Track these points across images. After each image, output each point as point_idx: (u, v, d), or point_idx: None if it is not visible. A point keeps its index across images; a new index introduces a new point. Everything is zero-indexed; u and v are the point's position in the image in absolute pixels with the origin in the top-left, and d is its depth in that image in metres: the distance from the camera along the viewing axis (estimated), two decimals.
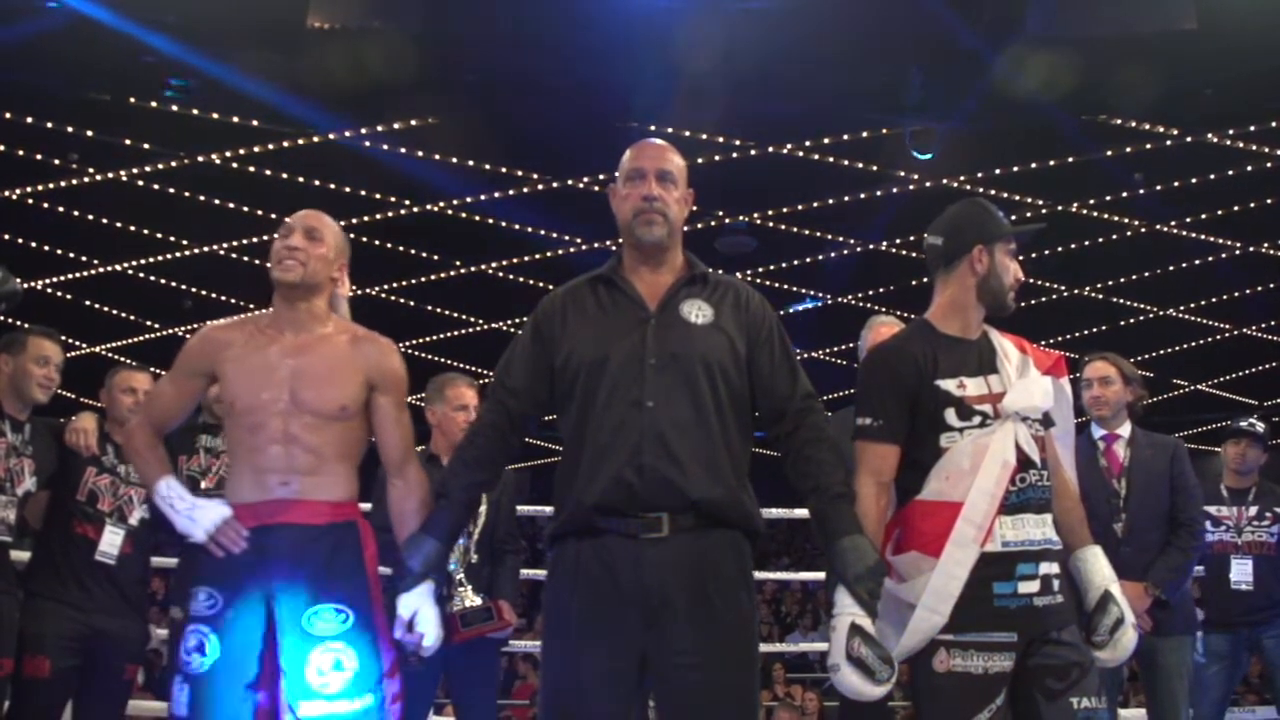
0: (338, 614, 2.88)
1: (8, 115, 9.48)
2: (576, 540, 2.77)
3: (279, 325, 3.11)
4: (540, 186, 10.83)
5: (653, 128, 9.63)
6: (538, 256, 11.85)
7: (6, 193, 10.58)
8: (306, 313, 3.10)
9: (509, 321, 12.87)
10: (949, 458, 2.78)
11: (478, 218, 11.26)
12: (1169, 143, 10.16)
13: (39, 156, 9.98)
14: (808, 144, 10.41)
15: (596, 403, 2.77)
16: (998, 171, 10.55)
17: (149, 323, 13.19)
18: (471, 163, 10.38)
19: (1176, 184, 10.67)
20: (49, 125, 9.68)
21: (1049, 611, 2.75)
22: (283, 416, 2.96)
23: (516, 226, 11.34)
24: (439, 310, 13.01)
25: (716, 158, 10.26)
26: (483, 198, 10.92)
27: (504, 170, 10.64)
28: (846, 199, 10.94)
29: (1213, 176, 10.49)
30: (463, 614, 3.98)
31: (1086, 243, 11.50)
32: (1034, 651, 2.73)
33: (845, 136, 10.30)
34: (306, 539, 2.92)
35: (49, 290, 12.14)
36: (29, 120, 9.61)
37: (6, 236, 11.32)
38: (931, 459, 2.80)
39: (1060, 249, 11.45)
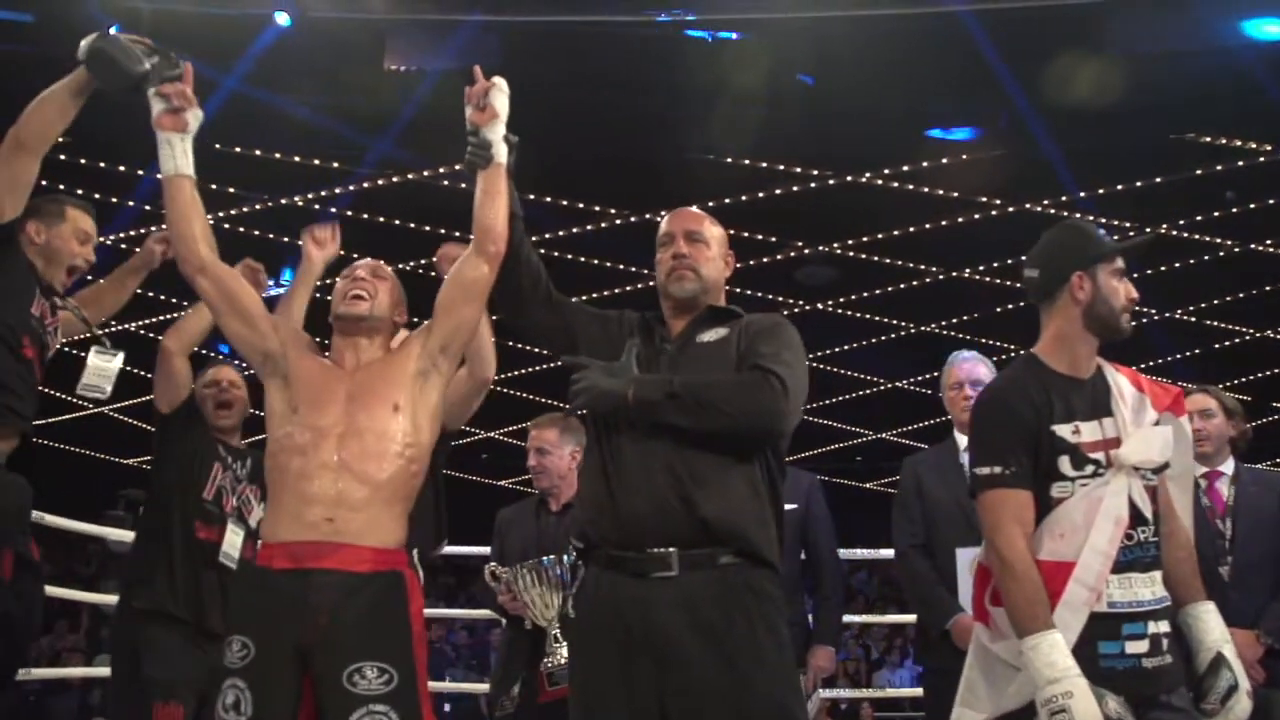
0: (380, 674, 2.64)
1: (62, 157, 9.61)
2: (597, 569, 2.73)
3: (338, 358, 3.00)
4: (618, 221, 10.81)
5: (729, 160, 9.60)
6: (605, 293, 11.76)
7: None
8: (368, 353, 2.96)
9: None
10: (1062, 512, 2.62)
11: (556, 253, 11.24)
12: (1260, 159, 9.87)
13: (79, 192, 10.09)
14: (886, 172, 10.29)
15: (610, 427, 2.73)
16: (1082, 194, 10.31)
17: None
18: (532, 196, 10.37)
19: (1271, 201, 10.36)
20: (102, 165, 9.79)
21: (1158, 673, 2.59)
22: (337, 440, 2.79)
23: (581, 259, 11.29)
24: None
25: (795, 188, 10.17)
26: (546, 235, 10.89)
27: (565, 203, 10.61)
28: (928, 226, 10.77)
29: None
30: (550, 672, 3.88)
31: (1177, 264, 11.20)
32: (1141, 716, 2.56)
33: (925, 164, 10.15)
34: (348, 587, 2.69)
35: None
36: (82, 161, 9.69)
37: None
38: (1043, 510, 2.63)
39: (1150, 271, 11.15)
